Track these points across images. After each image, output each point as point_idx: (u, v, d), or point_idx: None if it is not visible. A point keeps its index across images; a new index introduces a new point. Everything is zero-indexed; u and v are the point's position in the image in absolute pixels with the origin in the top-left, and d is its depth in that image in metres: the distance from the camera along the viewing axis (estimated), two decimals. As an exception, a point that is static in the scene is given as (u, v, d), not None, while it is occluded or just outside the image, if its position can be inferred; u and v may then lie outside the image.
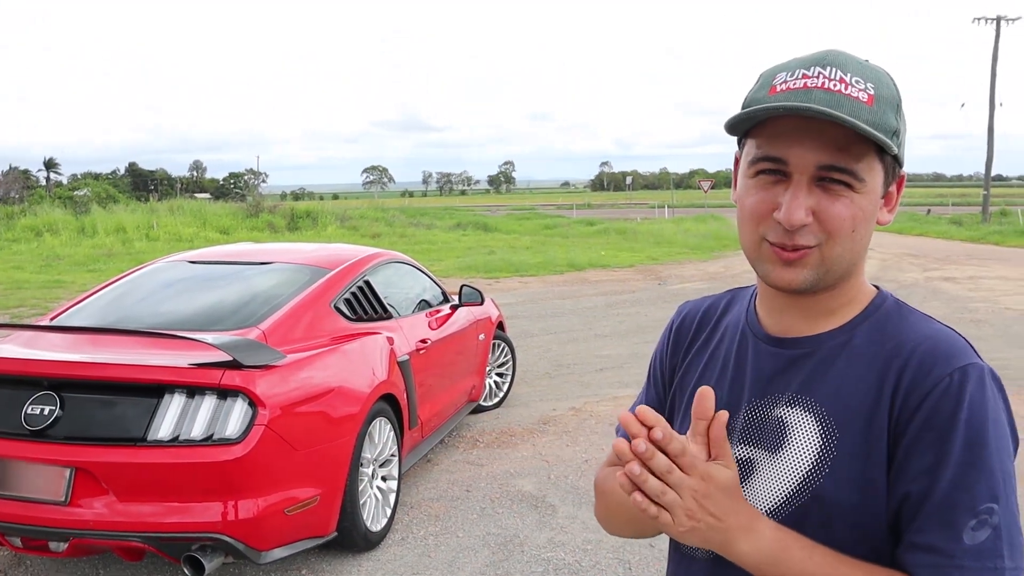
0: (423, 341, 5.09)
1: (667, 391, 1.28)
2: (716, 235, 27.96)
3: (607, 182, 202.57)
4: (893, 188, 1.08)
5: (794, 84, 1.00)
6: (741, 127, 1.05)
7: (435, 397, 5.27)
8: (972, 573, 0.94)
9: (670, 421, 1.25)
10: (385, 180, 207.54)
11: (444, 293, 6.08)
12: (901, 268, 18.61)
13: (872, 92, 1.00)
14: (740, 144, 1.09)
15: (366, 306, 4.77)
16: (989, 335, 10.12)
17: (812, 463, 1.05)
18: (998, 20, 40.43)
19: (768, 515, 1.07)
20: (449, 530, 4.48)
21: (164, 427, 3.33)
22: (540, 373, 8.10)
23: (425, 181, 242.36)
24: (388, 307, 5.00)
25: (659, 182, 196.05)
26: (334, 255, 5.01)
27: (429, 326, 5.39)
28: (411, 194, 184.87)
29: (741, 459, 1.12)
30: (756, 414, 1.12)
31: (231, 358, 3.40)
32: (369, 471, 4.23)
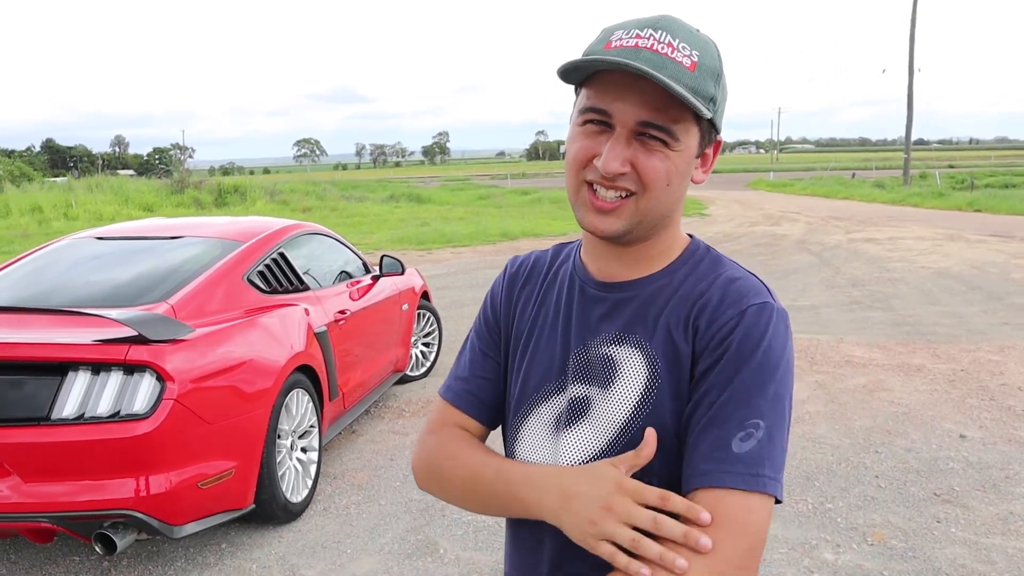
0: (342, 312, 5.06)
1: (501, 333, 1.33)
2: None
3: (542, 151, 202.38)
4: (709, 150, 1.16)
5: (627, 42, 1.06)
6: (573, 76, 1.10)
7: (357, 368, 5.25)
8: (738, 477, 1.03)
9: (506, 364, 1.32)
10: (317, 153, 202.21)
11: (365, 264, 6.04)
12: (826, 231, 18.97)
13: (696, 59, 1.06)
14: (576, 92, 1.15)
15: (281, 279, 4.71)
16: (905, 293, 10.50)
17: (641, 393, 1.13)
18: (916, -13, 41.35)
19: (606, 446, 1.15)
20: (372, 498, 4.50)
21: (69, 405, 3.27)
22: (468, 342, 8.13)
23: (358, 154, 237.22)
24: (305, 279, 4.96)
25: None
26: (247, 228, 4.93)
27: (349, 297, 5.35)
28: (344, 167, 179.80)
29: (577, 397, 1.19)
30: (587, 354, 1.19)
31: (137, 333, 3.34)
32: (287, 443, 4.22)
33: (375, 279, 5.91)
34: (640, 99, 1.05)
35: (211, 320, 3.93)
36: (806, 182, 44.24)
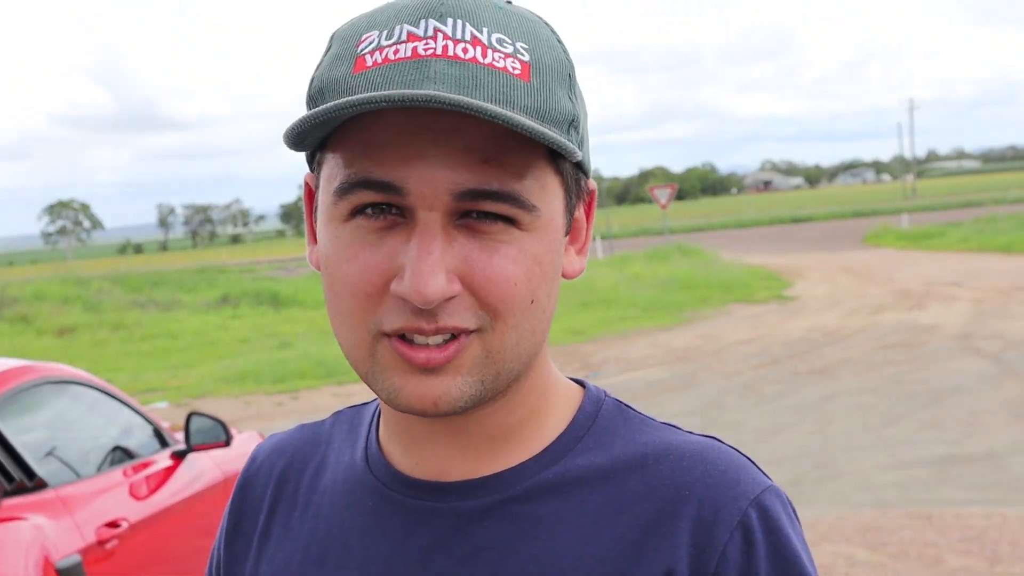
0: (114, 524, 3.37)
1: None
2: (685, 281, 18.86)
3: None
4: (581, 213, 0.73)
5: (396, 53, 0.63)
6: (313, 137, 0.64)
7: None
8: None
9: None
10: (86, 226, 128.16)
11: (160, 432, 4.11)
12: (1009, 315, 12.51)
13: (526, 57, 0.64)
14: (314, 163, 0.69)
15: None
16: None
17: None
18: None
19: None
20: None
21: None
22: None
23: (163, 223, 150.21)
24: (38, 468, 3.33)
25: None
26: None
27: (129, 494, 3.65)
28: (137, 248, 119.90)
29: None
30: None
31: None
32: None
33: (178, 457, 3.99)
34: (451, 152, 0.61)
35: None
36: (967, 228, 28.50)
